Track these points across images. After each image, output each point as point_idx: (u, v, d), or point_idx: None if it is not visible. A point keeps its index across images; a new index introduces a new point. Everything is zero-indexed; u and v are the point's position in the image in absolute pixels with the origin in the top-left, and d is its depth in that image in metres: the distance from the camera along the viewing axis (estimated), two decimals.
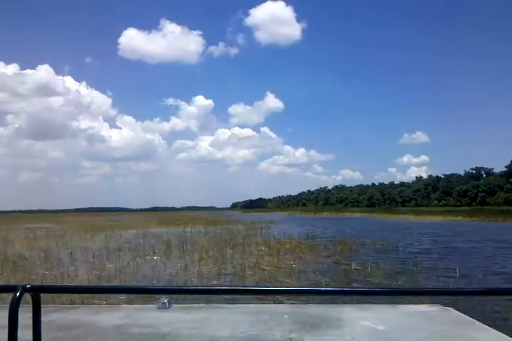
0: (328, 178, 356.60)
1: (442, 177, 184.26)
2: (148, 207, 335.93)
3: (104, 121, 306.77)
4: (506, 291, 2.03)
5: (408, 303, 4.49)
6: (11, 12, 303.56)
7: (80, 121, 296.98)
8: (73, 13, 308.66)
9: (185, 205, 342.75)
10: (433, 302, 4.35)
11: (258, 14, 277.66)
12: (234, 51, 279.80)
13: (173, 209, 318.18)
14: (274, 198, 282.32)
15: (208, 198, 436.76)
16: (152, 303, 4.55)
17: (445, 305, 4.19)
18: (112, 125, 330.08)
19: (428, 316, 3.61)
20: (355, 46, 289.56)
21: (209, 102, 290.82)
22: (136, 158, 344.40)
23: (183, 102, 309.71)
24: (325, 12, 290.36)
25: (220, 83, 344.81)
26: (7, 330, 1.62)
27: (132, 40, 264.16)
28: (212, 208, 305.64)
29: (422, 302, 4.44)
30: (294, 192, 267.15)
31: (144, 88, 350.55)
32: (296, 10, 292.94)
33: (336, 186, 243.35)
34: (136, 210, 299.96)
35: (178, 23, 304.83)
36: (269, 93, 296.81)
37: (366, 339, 3.04)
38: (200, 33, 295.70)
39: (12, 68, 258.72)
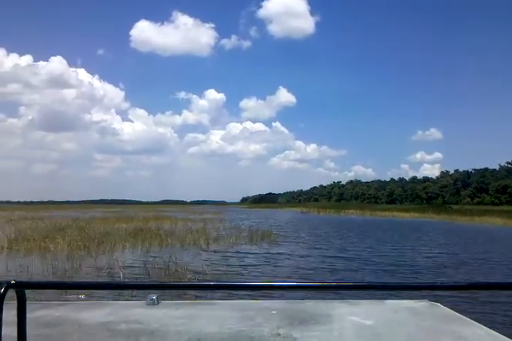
0: (340, 174, 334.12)
1: (472, 171, 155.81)
2: (158, 200, 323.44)
3: (117, 114, 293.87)
4: (496, 286, 1.92)
5: (397, 299, 4.07)
6: (24, 4, 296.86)
7: (93, 114, 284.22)
8: (85, 4, 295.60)
9: (195, 199, 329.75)
10: (421, 298, 3.95)
11: (271, 6, 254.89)
12: (246, 44, 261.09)
13: (183, 202, 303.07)
14: (284, 193, 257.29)
15: (219, 192, 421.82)
16: (140, 299, 3.90)
17: (433, 300, 3.81)
18: (125, 118, 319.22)
19: (416, 311, 3.42)
20: (369, 41, 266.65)
21: (221, 96, 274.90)
22: (148, 152, 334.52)
23: (194, 96, 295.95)
24: (339, 5, 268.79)
25: (231, 76, 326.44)
26: None
27: (144, 32, 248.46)
28: (222, 202, 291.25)
29: (410, 298, 3.99)
30: (305, 188, 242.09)
31: (155, 81, 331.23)
32: (309, 2, 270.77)
33: (351, 181, 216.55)
34: (147, 203, 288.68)
35: (191, 15, 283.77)
36: (281, 87, 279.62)
37: (354, 335, 2.85)
38: (213, 25, 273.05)
39: (25, 59, 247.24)
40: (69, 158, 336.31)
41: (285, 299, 5.56)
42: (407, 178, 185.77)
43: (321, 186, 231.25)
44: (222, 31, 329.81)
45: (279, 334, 2.78)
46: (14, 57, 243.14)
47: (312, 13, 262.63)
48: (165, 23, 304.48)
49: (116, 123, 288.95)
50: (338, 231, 31.40)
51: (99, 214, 47.65)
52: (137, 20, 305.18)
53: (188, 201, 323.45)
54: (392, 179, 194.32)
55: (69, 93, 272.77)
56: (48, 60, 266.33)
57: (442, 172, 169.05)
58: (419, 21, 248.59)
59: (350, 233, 30.40)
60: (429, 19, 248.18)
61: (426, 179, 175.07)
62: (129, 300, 6.27)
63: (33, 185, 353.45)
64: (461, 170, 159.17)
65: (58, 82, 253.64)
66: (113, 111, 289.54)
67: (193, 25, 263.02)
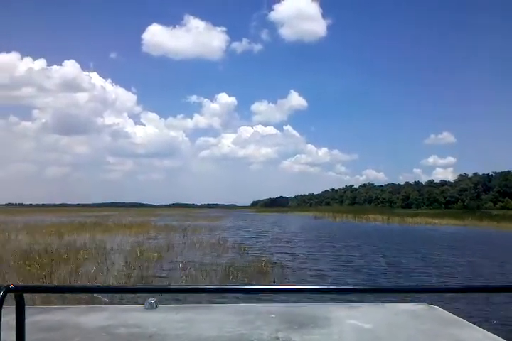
0: (351, 178, 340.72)
1: (493, 174, 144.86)
2: (169, 203, 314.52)
3: (129, 117, 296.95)
4: (496, 288, 2.00)
5: (396, 302, 4.24)
6: (37, 8, 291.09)
7: (105, 117, 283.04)
8: (98, 8, 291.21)
9: (206, 202, 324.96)
10: (420, 301, 4.01)
11: (283, 10, 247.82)
12: (258, 47, 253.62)
13: (193, 206, 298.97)
14: (295, 197, 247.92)
15: (229, 196, 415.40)
16: (139, 304, 3.90)
17: (432, 303, 3.86)
18: (137, 121, 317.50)
19: (415, 314, 3.45)
20: (381, 43, 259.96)
21: (232, 99, 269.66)
22: (159, 155, 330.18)
23: (206, 99, 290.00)
24: (351, 8, 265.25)
25: (243, 80, 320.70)
26: None
27: (156, 35, 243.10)
28: (232, 206, 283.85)
29: (409, 301, 4.12)
30: (316, 192, 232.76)
31: (167, 85, 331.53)
32: (321, 5, 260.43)
33: (364, 184, 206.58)
34: (157, 206, 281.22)
35: (202, 19, 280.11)
36: (292, 91, 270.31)
37: (353, 338, 2.91)
38: (224, 29, 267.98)
39: (39, 63, 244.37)
40: (82, 161, 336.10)
41: (285, 302, 5.64)
42: (422, 182, 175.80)
43: (333, 190, 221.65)
44: (234, 34, 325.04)
45: (278, 338, 2.79)
46: (28, 61, 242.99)
47: (324, 16, 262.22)
48: (177, 26, 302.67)
49: (129, 126, 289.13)
50: (379, 251, 19.44)
51: (66, 220, 38.82)
52: (149, 24, 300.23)
53: (199, 204, 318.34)
54: (407, 182, 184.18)
55: (82, 97, 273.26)
56: (61, 64, 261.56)
57: (461, 175, 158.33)
58: (432, 22, 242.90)
59: (403, 256, 17.95)
60: (441, 18, 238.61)
61: (443, 182, 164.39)
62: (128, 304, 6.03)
63: (46, 188, 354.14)
64: (480, 173, 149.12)
65: (71, 86, 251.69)
66: (125, 114, 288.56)
67: (204, 29, 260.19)
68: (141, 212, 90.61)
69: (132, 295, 7.29)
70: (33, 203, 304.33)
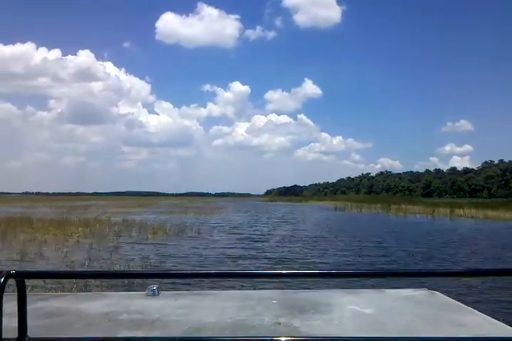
0: (366, 167, 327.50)
1: None
2: (183, 191, 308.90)
3: (143, 106, 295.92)
4: (493, 272, 1.93)
5: (396, 288, 4.03)
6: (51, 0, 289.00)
7: (120, 107, 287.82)
8: None
9: (220, 191, 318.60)
10: (420, 287, 3.83)
11: None
12: (271, 35, 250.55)
13: (208, 194, 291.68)
14: (310, 185, 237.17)
15: (243, 185, 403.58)
16: (141, 290, 3.70)
17: (432, 289, 3.66)
18: (151, 111, 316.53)
19: (415, 300, 3.34)
20: (396, 29, 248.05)
21: (245, 88, 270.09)
22: (173, 144, 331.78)
23: (219, 88, 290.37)
24: None
25: (256, 68, 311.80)
26: None
27: (169, 24, 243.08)
28: (247, 195, 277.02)
29: (410, 287, 3.85)
30: (331, 180, 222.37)
31: (181, 73, 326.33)
32: None
33: (381, 172, 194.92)
34: (171, 195, 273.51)
35: (216, 7, 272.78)
36: (306, 79, 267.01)
37: (354, 323, 2.78)
38: (238, 16, 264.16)
39: (54, 53, 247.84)
40: (97, 151, 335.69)
41: (285, 288, 5.50)
42: (444, 169, 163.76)
43: (349, 178, 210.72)
44: (247, 22, 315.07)
45: (279, 323, 2.73)
46: (43, 51, 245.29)
47: (339, 2, 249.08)
48: (190, 14, 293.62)
49: (143, 116, 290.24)
50: None
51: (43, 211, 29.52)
52: (163, 12, 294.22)
53: (213, 193, 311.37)
54: (427, 170, 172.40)
55: (96, 86, 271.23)
56: (75, 54, 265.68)
57: (486, 162, 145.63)
58: (449, 6, 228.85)
59: None
60: (459, 2, 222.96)
61: (466, 170, 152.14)
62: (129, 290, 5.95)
63: (62, 176, 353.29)
64: (506, 160, 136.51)
65: (86, 76, 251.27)
66: (139, 104, 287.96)
67: (218, 17, 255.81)
68: (140, 201, 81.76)
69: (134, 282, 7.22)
70: (50, 192, 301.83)
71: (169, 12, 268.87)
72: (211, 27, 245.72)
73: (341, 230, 22.96)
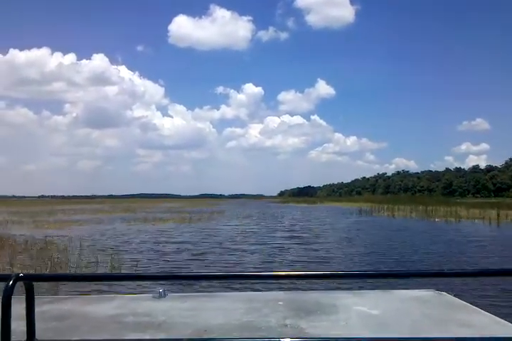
0: (381, 167, 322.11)
1: None
2: (197, 193, 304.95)
3: (157, 109, 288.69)
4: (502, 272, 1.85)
5: (403, 289, 4.00)
6: (65, 3, 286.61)
7: (134, 110, 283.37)
8: (124, 0, 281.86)
9: (233, 193, 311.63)
10: (428, 288, 3.80)
11: None
12: (284, 36, 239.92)
13: (221, 196, 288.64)
14: (324, 186, 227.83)
15: (257, 186, 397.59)
16: (148, 293, 3.74)
17: (440, 290, 3.66)
18: (164, 114, 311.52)
19: (422, 300, 3.30)
20: (410, 28, 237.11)
21: (258, 90, 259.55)
22: (187, 146, 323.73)
23: (232, 90, 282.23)
24: None
25: (269, 69, 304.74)
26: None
27: (182, 27, 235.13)
28: (260, 196, 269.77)
29: (417, 288, 3.82)
30: (345, 181, 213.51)
31: (194, 76, 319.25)
32: None
33: (398, 172, 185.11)
34: (185, 197, 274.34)
35: (228, 8, 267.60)
36: (319, 79, 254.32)
37: (360, 324, 2.77)
38: (250, 18, 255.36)
39: (69, 58, 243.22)
40: (112, 154, 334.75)
41: (291, 290, 5.32)
42: (466, 168, 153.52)
43: (364, 178, 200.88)
44: (260, 23, 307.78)
45: (286, 325, 2.67)
46: (58, 56, 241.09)
47: (352, 1, 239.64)
48: (203, 17, 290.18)
49: (157, 119, 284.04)
50: None
51: None
52: (175, 15, 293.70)
53: (227, 195, 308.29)
54: (447, 169, 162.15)
55: (111, 90, 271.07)
56: (90, 58, 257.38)
57: (510, 159, 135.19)
58: (462, 7, 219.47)
59: None
60: (471, 4, 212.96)
61: (489, 168, 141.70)
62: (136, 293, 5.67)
63: (77, 180, 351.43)
64: None
65: (101, 80, 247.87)
66: (153, 107, 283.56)
67: (230, 19, 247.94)
68: (135, 204, 74.49)
69: (141, 285, 7.30)
70: (65, 195, 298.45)
71: (181, 15, 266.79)
72: (224, 29, 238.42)
73: (410, 259, 12.93)
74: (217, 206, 65.29)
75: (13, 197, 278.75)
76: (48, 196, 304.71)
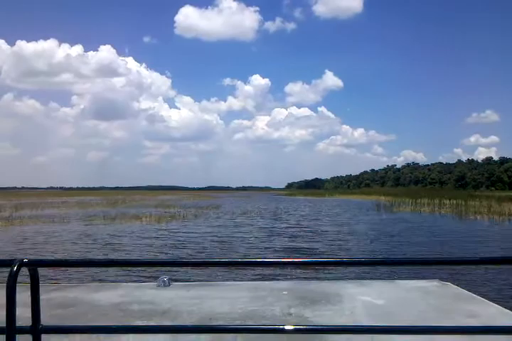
0: (389, 159, 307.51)
1: None
2: (204, 186, 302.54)
3: (164, 101, 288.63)
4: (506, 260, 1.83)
5: (407, 279, 4.05)
6: None
7: (141, 102, 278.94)
8: None
9: (241, 185, 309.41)
10: (432, 278, 3.84)
11: None
12: (291, 26, 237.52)
13: (228, 188, 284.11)
14: (331, 178, 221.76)
15: (264, 178, 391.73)
16: (152, 281, 3.73)
17: (444, 280, 3.62)
18: (172, 105, 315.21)
19: (427, 291, 3.28)
20: (419, 20, 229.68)
21: (265, 81, 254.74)
22: (194, 138, 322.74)
23: (239, 81, 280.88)
24: None
25: (276, 61, 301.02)
26: (5, 308, 1.42)
27: (188, 17, 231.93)
28: (267, 188, 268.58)
29: (421, 278, 3.93)
30: (354, 173, 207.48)
31: (200, 67, 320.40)
32: None
33: (408, 164, 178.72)
34: (193, 189, 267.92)
35: None
36: (327, 71, 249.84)
37: (365, 314, 2.77)
38: (257, 8, 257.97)
39: (76, 49, 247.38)
40: (120, 146, 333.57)
41: (296, 279, 5.36)
42: (479, 160, 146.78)
43: (373, 170, 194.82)
44: (267, 14, 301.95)
45: (290, 314, 2.65)
46: (66, 48, 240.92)
47: None
48: (209, 7, 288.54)
49: (164, 110, 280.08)
50: None
51: None
52: (181, 5, 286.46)
53: (234, 187, 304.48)
54: (459, 160, 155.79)
55: (118, 82, 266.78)
56: (97, 50, 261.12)
57: None
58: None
59: None
60: None
61: (503, 160, 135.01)
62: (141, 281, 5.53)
63: (85, 171, 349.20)
64: None
65: (108, 71, 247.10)
66: (160, 98, 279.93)
67: (237, 9, 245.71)
68: (143, 195, 69.64)
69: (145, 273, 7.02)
70: (73, 186, 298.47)
71: (188, 5, 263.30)
72: (230, 20, 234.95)
73: None
74: (219, 199, 60.26)
75: (23, 188, 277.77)
76: (57, 187, 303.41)
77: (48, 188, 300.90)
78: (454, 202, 32.40)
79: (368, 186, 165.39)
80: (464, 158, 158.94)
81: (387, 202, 36.78)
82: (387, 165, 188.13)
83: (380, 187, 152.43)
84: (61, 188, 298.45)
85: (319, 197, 69.00)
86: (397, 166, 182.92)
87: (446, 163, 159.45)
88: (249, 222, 22.80)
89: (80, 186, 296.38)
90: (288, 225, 21.14)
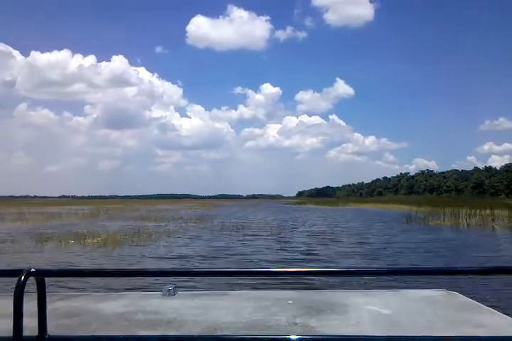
0: (400, 167, 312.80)
1: None
2: (215, 194, 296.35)
3: (176, 110, 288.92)
4: None
5: (414, 288, 3.84)
6: (85, 6, 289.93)
7: (153, 111, 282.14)
8: (142, 2, 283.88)
9: (251, 193, 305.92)
10: (439, 287, 3.55)
11: None
12: (302, 35, 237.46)
13: (239, 196, 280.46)
14: (343, 186, 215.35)
15: (275, 186, 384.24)
16: (157, 290, 3.47)
17: (451, 289, 3.40)
18: (183, 114, 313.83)
19: (434, 300, 3.14)
20: (431, 27, 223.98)
21: (276, 90, 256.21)
22: (205, 147, 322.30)
23: (250, 90, 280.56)
24: None
25: (287, 69, 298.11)
26: (12, 317, 1.42)
27: (200, 27, 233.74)
28: (278, 196, 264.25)
29: (428, 288, 3.58)
30: (365, 181, 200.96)
31: (212, 76, 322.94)
32: None
33: (422, 172, 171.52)
34: (204, 197, 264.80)
35: (246, 9, 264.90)
36: (338, 79, 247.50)
37: (371, 323, 2.65)
38: (268, 18, 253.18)
39: (89, 59, 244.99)
40: (132, 154, 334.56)
41: (302, 289, 5.02)
42: (497, 167, 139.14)
43: (385, 178, 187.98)
44: (277, 23, 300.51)
45: (296, 324, 2.60)
46: (79, 58, 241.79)
47: None
48: (220, 17, 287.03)
49: (175, 119, 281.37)
50: None
51: None
52: (193, 15, 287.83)
53: (245, 195, 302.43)
54: (475, 168, 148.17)
55: (130, 91, 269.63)
56: (110, 60, 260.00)
57: None
58: (484, 4, 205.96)
59: None
60: (494, 3, 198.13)
61: None
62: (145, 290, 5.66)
63: (97, 180, 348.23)
64: None
65: (120, 81, 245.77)
66: (172, 107, 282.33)
67: (248, 19, 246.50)
68: (144, 205, 64.20)
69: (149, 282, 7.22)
70: (85, 195, 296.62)
71: (199, 15, 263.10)
72: (241, 29, 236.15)
73: None
74: (222, 208, 54.42)
75: (35, 197, 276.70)
76: (69, 196, 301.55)
77: (60, 197, 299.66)
78: (498, 212, 26.07)
79: (381, 194, 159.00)
80: (478, 166, 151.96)
81: (413, 212, 29.91)
82: (400, 173, 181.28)
83: (394, 195, 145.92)
84: (73, 197, 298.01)
85: (332, 206, 62.40)
86: (410, 174, 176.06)
87: (462, 170, 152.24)
88: (233, 245, 15.83)
89: (92, 195, 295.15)
90: (295, 252, 14.10)
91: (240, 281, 7.22)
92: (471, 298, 3.16)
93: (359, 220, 30.12)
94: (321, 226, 24.86)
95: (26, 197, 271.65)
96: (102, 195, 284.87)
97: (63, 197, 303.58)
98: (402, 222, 26.14)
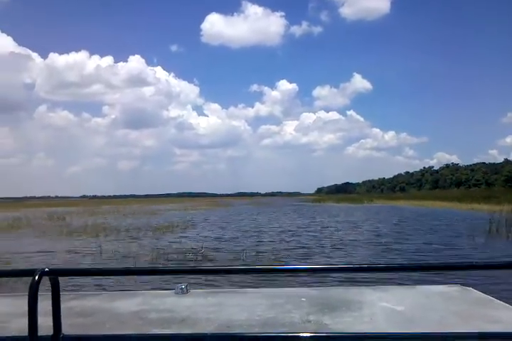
0: (421, 162, 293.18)
1: None
2: (233, 192, 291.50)
3: (193, 109, 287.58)
4: None
5: (428, 284, 3.86)
6: (102, 6, 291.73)
7: (170, 110, 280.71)
8: (157, 1, 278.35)
9: (269, 190, 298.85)
10: (453, 283, 3.50)
11: None
12: (317, 30, 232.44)
13: (257, 194, 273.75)
14: (363, 182, 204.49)
15: (293, 183, 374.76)
16: (170, 289, 3.45)
17: (465, 284, 3.31)
18: (200, 113, 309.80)
19: (448, 296, 3.09)
20: (449, 20, 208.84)
21: (293, 86, 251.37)
22: (223, 145, 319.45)
23: (266, 87, 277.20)
24: None
25: (303, 65, 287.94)
26: (27, 317, 1.42)
27: (214, 25, 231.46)
28: (296, 193, 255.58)
29: (442, 283, 3.59)
30: (386, 177, 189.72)
31: (228, 74, 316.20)
32: None
33: (447, 165, 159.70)
34: (221, 195, 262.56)
35: (260, 5, 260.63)
36: (355, 73, 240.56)
37: (385, 320, 2.64)
38: (283, 13, 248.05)
39: (106, 60, 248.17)
40: (150, 154, 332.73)
41: (315, 286, 4.98)
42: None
43: (407, 173, 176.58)
44: (292, 18, 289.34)
45: (309, 321, 2.59)
46: (96, 59, 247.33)
47: None
48: (235, 14, 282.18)
49: (193, 118, 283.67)
50: None
51: None
52: (207, 13, 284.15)
53: (263, 193, 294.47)
54: (505, 160, 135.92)
55: (148, 91, 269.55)
56: (126, 60, 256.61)
57: None
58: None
59: None
60: None
61: None
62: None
63: (117, 180, 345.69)
64: None
65: (137, 81, 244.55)
66: (189, 106, 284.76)
67: (262, 15, 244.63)
68: (147, 202, 56.36)
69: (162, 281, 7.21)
70: (105, 195, 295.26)
71: (214, 13, 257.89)
72: (256, 26, 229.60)
73: None
74: (226, 208, 45.96)
75: (56, 197, 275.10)
76: (90, 196, 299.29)
77: (81, 197, 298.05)
78: None
79: (403, 189, 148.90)
80: (500, 159, 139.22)
81: (489, 214, 20.00)
82: (424, 167, 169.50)
83: (418, 190, 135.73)
84: (94, 197, 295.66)
85: (355, 204, 52.72)
86: (435, 168, 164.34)
87: (490, 163, 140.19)
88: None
89: (112, 194, 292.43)
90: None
91: (249, 280, 7.09)
92: (486, 293, 3.03)
93: (416, 229, 19.28)
94: (350, 242, 15.49)
95: (48, 197, 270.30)
96: (122, 194, 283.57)
97: (84, 197, 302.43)
98: (484, 230, 16.30)
